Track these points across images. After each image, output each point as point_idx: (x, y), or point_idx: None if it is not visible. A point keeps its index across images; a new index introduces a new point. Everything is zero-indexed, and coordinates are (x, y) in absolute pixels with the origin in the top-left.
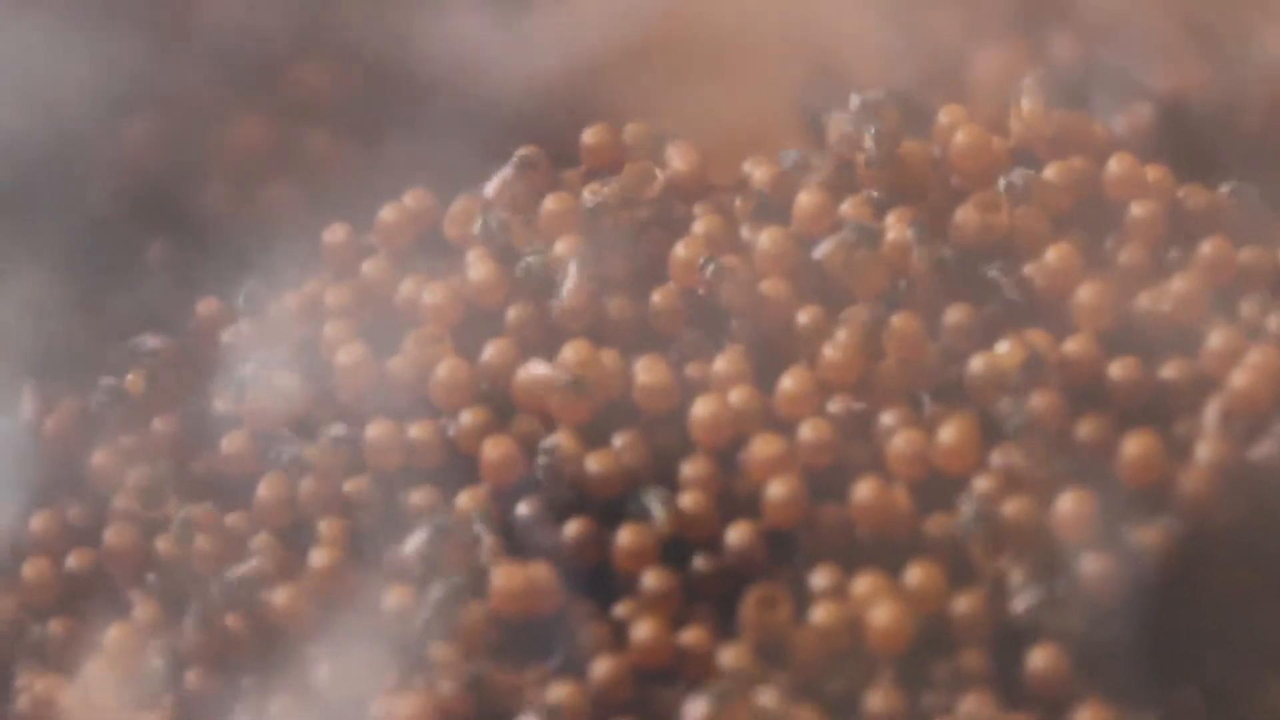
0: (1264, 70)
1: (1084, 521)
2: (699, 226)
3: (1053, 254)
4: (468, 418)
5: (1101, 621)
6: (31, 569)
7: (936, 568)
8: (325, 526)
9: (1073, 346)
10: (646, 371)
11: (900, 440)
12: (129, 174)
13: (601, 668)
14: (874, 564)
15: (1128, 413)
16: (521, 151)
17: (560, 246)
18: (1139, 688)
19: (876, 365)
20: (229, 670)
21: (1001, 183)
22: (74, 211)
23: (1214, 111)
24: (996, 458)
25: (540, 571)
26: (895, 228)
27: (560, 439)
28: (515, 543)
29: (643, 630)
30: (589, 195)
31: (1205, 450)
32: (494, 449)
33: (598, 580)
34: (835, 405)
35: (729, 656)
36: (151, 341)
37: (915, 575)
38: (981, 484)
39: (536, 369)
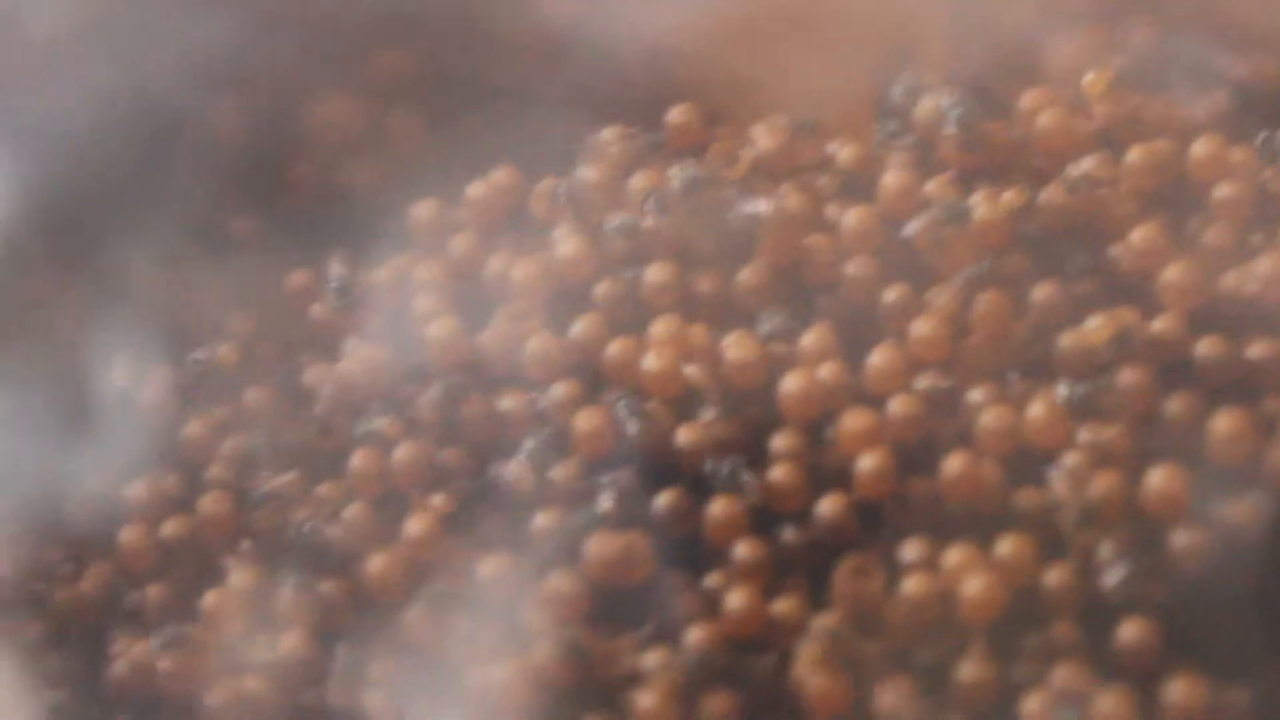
0: None
1: (1174, 496)
2: (786, 205)
3: (1138, 234)
4: (559, 390)
5: (1191, 595)
6: (128, 535)
7: (1027, 540)
8: (419, 497)
9: (1160, 325)
10: (735, 346)
11: (989, 416)
12: (221, 151)
13: (695, 636)
14: (963, 537)
15: (1215, 391)
16: (610, 130)
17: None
18: (1231, 662)
19: (964, 342)
20: (326, 638)
21: (1085, 164)
22: (169, 188)
23: None
24: (1085, 434)
25: (635, 541)
26: (983, 205)
27: (654, 407)
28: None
29: (735, 599)
30: (676, 172)
31: None
32: (586, 421)
33: (689, 551)
34: (923, 382)
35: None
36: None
37: (1006, 547)
38: (1071, 459)
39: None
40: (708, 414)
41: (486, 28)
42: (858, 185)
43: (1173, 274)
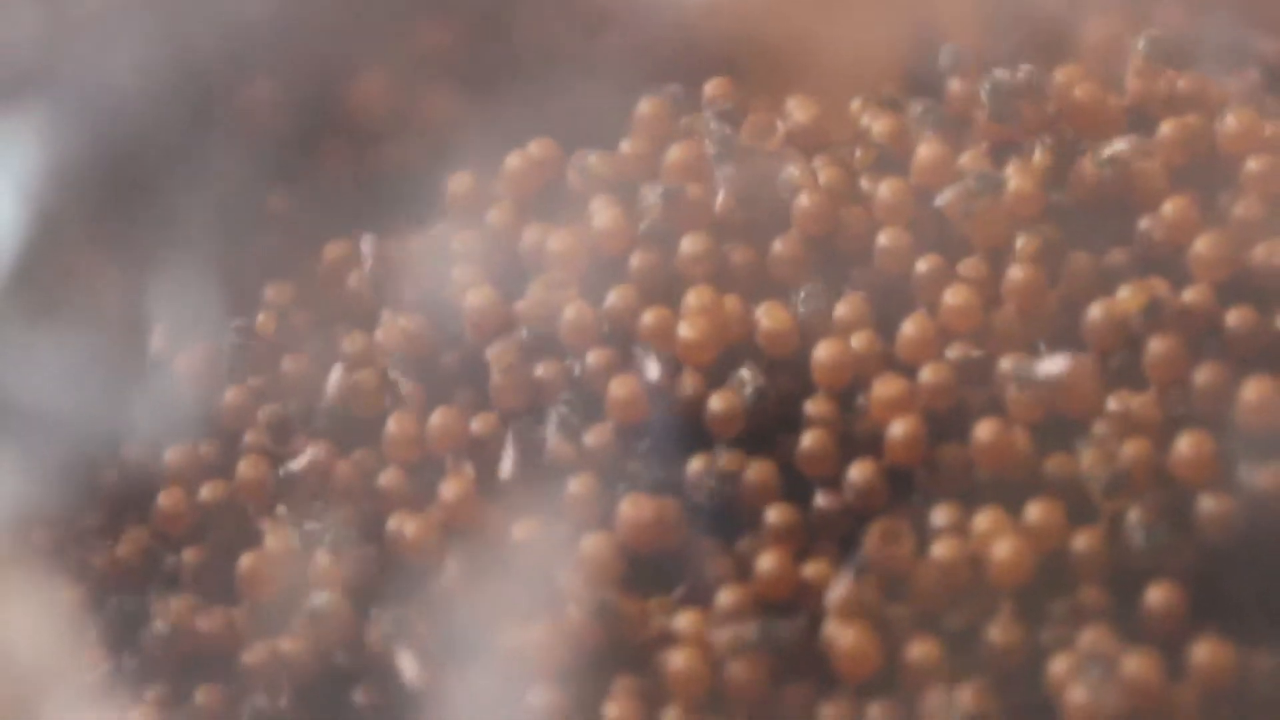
0: None
1: (1202, 461)
2: (820, 178)
3: (1169, 207)
4: (594, 358)
5: (1219, 561)
6: (166, 499)
7: (1056, 505)
8: (453, 462)
9: (1190, 296)
10: (768, 316)
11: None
12: (261, 123)
13: (726, 598)
14: (993, 503)
15: (1245, 361)
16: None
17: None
18: (1258, 626)
19: (995, 313)
20: (360, 600)
21: (1117, 145)
22: (209, 159)
23: None
24: (1114, 403)
25: (667, 505)
26: (1016, 177)
27: (688, 379)
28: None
29: (766, 562)
30: (712, 139)
31: None
32: (620, 387)
33: (723, 518)
34: (954, 351)
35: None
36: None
37: (1035, 512)
38: (1101, 427)
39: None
40: (741, 382)
41: (520, 2)
42: (892, 160)
43: (1203, 246)
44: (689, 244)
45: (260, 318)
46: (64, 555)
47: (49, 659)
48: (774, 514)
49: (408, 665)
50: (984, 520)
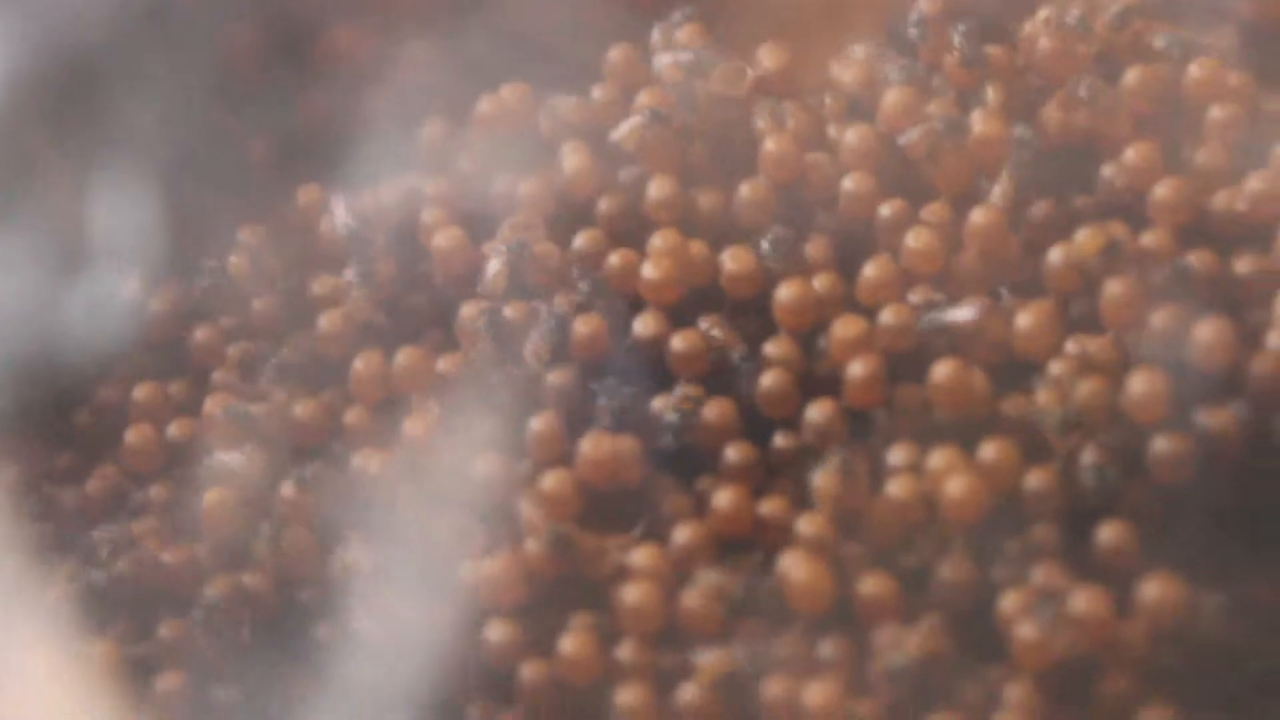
0: None
1: (1154, 400)
2: (789, 124)
3: (1132, 152)
4: (560, 298)
5: (1170, 500)
6: (134, 435)
7: (1010, 444)
8: (418, 400)
9: (1149, 239)
10: (733, 260)
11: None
12: (237, 66)
13: (683, 534)
14: (950, 443)
15: (1202, 303)
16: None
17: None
18: (1209, 566)
19: (957, 257)
20: (321, 532)
21: (1081, 86)
22: (186, 102)
23: None
24: (1071, 345)
25: (625, 442)
26: (980, 121)
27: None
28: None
29: (723, 499)
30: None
31: (1276, 338)
32: (584, 325)
33: (682, 456)
34: (916, 295)
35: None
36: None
37: (989, 451)
38: (1057, 367)
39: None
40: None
41: None
42: (861, 108)
43: (1163, 191)
44: (656, 188)
45: (232, 259)
46: (32, 492)
47: (12, 592)
48: (733, 452)
49: (367, 598)
50: (938, 459)
